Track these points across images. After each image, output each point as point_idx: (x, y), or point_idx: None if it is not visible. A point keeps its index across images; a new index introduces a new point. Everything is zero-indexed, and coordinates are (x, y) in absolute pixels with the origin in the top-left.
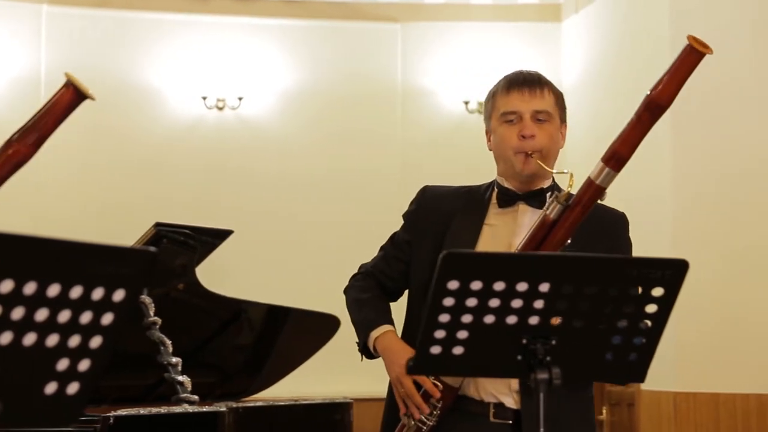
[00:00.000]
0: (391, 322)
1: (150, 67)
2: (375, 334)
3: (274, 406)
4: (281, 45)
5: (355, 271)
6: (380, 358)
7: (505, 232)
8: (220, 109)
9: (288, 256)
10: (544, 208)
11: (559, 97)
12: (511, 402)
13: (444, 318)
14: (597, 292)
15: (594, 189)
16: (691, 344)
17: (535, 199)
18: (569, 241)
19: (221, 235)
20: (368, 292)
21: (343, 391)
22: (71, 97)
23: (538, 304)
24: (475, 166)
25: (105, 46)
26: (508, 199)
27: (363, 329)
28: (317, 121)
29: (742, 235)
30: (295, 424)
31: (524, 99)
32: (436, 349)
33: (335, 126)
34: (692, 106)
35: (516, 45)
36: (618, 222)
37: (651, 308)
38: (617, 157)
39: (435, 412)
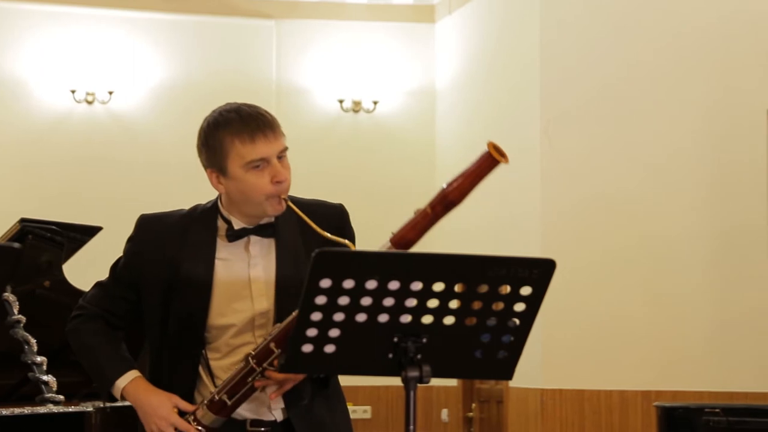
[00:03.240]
0: (134, 366)
1: (16, 60)
2: (122, 382)
3: None
4: (154, 39)
5: (76, 314)
6: None
7: (240, 265)
8: (90, 103)
9: None
10: None
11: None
12: (270, 416)
13: (316, 316)
14: (467, 290)
15: None
16: (557, 343)
17: (265, 230)
18: None
19: (90, 231)
20: (99, 335)
21: None
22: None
23: (410, 302)
24: (348, 164)
25: None
26: (237, 236)
27: (105, 378)
28: (190, 116)
29: (606, 240)
30: None
31: (269, 143)
32: (307, 348)
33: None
34: (561, 114)
35: (391, 45)
36: (341, 214)
37: (519, 306)
38: (405, 242)
39: None
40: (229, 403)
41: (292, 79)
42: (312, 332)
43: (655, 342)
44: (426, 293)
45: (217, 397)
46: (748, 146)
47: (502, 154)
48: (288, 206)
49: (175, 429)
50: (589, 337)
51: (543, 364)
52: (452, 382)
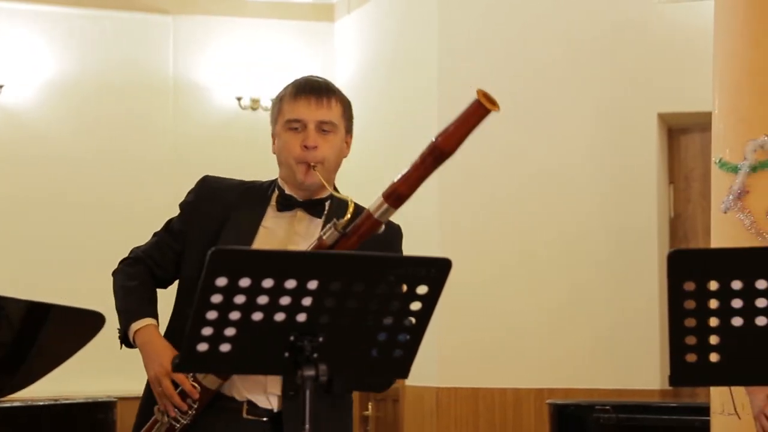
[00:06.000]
0: (154, 314)
1: None
2: (136, 326)
3: (33, 406)
4: (48, 32)
5: (125, 257)
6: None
7: (281, 236)
8: None
9: (50, 251)
10: (321, 232)
11: (346, 108)
12: (264, 402)
13: (211, 315)
14: (364, 289)
15: (372, 222)
16: (452, 341)
17: (314, 208)
18: None
19: None
20: (136, 279)
21: (107, 389)
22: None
23: (306, 301)
24: (247, 162)
25: None
26: (287, 204)
27: (125, 318)
28: (84, 111)
29: (501, 241)
30: (56, 424)
31: (310, 108)
32: (202, 347)
33: (103, 117)
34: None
35: (290, 43)
36: (394, 233)
37: (416, 306)
38: (396, 195)
39: (190, 412)
40: None
41: (189, 75)
42: (207, 331)
43: (548, 341)
44: (322, 292)
45: None
46: (639, 148)
47: (493, 102)
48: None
49: (172, 380)
50: (483, 336)
51: (438, 362)
52: None
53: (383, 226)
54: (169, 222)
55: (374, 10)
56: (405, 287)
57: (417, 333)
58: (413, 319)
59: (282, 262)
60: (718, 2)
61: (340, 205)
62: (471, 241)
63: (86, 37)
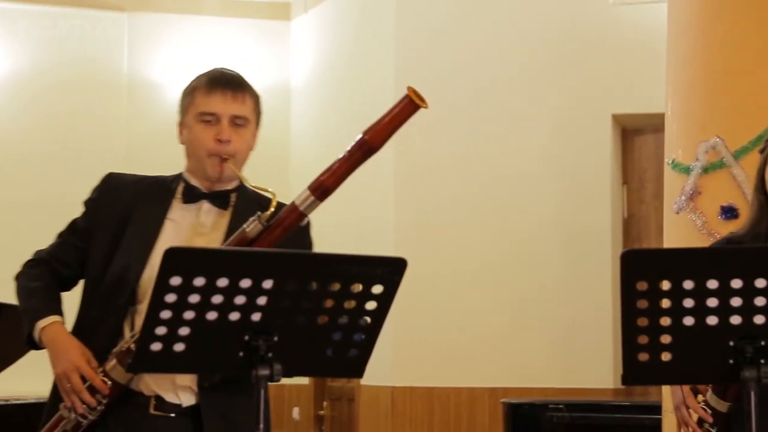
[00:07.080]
0: (59, 312)
1: None
2: (41, 324)
3: None
4: (0, 29)
5: (28, 260)
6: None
7: (188, 228)
8: None
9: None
10: (245, 224)
11: (257, 102)
12: (173, 397)
13: (165, 314)
14: (319, 288)
15: (297, 215)
16: (407, 341)
17: (220, 199)
18: None
19: None
20: (39, 280)
21: None
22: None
23: (262, 300)
24: None
25: None
26: (192, 196)
27: (29, 318)
28: (37, 108)
29: (457, 241)
30: (7, 424)
31: (226, 102)
32: (156, 346)
33: (56, 115)
34: (415, 115)
35: (246, 41)
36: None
37: (371, 305)
38: (323, 188)
39: (99, 407)
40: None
41: (144, 73)
42: (161, 330)
43: (503, 340)
44: (277, 291)
45: (125, 347)
46: (593, 149)
47: (422, 99)
48: (234, 172)
49: (81, 376)
50: (438, 335)
51: (393, 362)
52: (304, 381)
53: (307, 219)
54: (74, 221)
55: (331, 9)
56: (360, 286)
57: (372, 332)
58: (368, 319)
59: (237, 262)
60: (671, 5)
61: (247, 196)
62: (426, 242)
63: (40, 34)
